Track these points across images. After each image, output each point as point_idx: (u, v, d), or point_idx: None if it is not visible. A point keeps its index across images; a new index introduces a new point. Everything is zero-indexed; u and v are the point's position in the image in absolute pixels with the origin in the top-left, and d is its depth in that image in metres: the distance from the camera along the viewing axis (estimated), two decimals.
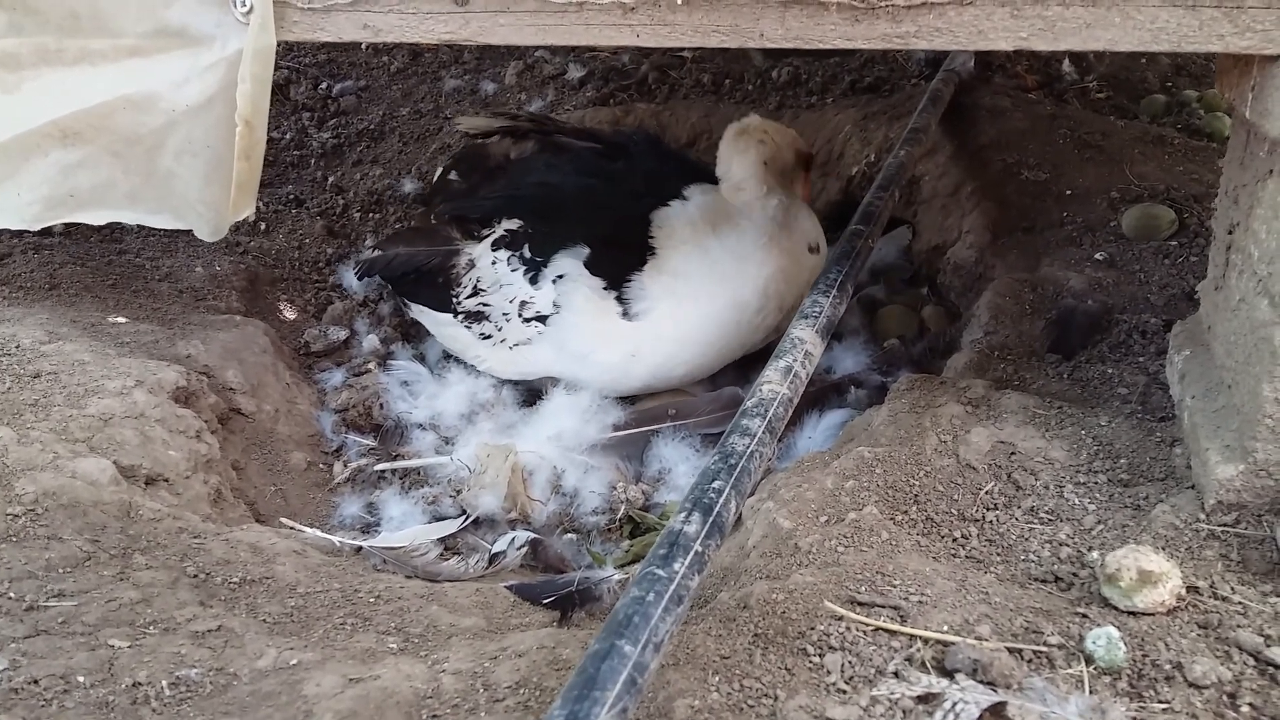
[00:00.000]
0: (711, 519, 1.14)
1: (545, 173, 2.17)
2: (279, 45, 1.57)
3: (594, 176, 2.14)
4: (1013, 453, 1.51)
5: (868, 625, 1.15)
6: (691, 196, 2.09)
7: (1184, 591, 1.17)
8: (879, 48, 1.32)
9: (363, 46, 3.61)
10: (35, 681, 1.12)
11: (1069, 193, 2.38)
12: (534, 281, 2.05)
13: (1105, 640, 1.07)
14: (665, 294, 1.99)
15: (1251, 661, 1.07)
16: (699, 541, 1.10)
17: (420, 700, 1.14)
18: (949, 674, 1.06)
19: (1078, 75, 3.15)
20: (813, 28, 1.33)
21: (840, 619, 1.16)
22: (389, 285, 2.33)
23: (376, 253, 2.27)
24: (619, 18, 1.41)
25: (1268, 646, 1.07)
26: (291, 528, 1.65)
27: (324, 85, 3.37)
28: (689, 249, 2.01)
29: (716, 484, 1.19)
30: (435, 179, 2.40)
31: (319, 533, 1.64)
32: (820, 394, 1.98)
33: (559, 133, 2.30)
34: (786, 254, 2.08)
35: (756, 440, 1.28)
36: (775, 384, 1.40)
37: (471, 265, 2.12)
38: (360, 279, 2.38)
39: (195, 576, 1.40)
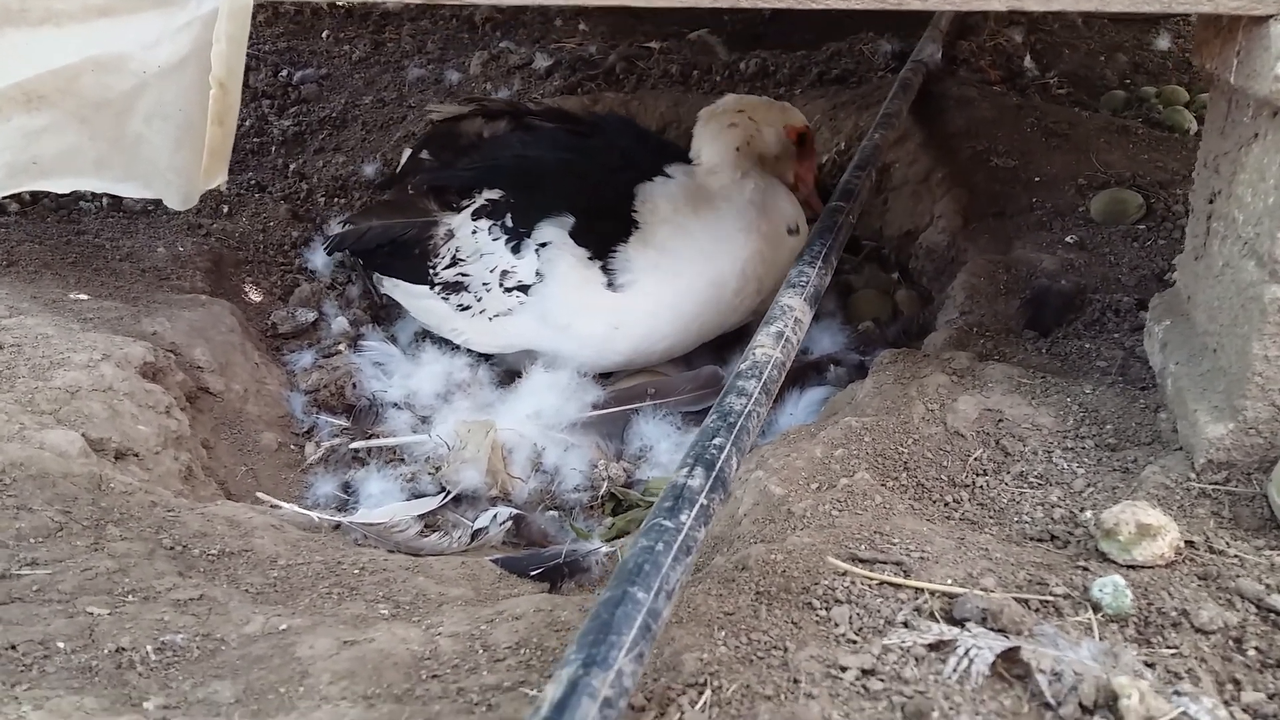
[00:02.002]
0: (715, 473, 1.12)
1: (522, 148, 2.15)
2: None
3: (571, 151, 2.12)
4: (1000, 420, 1.52)
5: (872, 579, 1.14)
6: (675, 175, 2.08)
7: (1182, 545, 1.17)
8: (872, 7, 1.31)
9: (323, 35, 3.56)
10: (13, 647, 1.07)
11: (1037, 179, 2.42)
12: (516, 251, 2.02)
13: (1112, 588, 1.07)
14: (650, 267, 1.97)
15: (1254, 609, 1.08)
16: (703, 495, 1.09)
17: (418, 661, 1.10)
18: (958, 623, 1.05)
19: (1039, 71, 3.20)
20: None
21: (844, 574, 1.15)
22: (360, 260, 2.28)
23: (347, 227, 2.22)
24: None
25: (1269, 594, 1.08)
26: (269, 503, 1.61)
27: (284, 73, 3.31)
28: (672, 227, 2.00)
29: (717, 440, 1.17)
30: (405, 159, 2.36)
31: (296, 508, 1.60)
32: (800, 372, 1.98)
33: (531, 115, 2.28)
34: (764, 238, 2.07)
35: (753, 400, 1.27)
36: (768, 348, 1.39)
37: (450, 235, 2.09)
38: (330, 254, 2.33)
39: (172, 548, 1.35)
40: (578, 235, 1.99)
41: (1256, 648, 1.02)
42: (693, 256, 1.99)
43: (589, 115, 2.37)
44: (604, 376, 2.12)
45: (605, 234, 1.98)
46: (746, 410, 1.24)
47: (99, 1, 1.55)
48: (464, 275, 2.05)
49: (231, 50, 1.52)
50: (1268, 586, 1.10)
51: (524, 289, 2.02)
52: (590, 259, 1.98)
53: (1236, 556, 1.17)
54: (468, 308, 2.07)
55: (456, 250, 2.07)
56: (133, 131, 1.62)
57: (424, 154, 2.28)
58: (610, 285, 1.97)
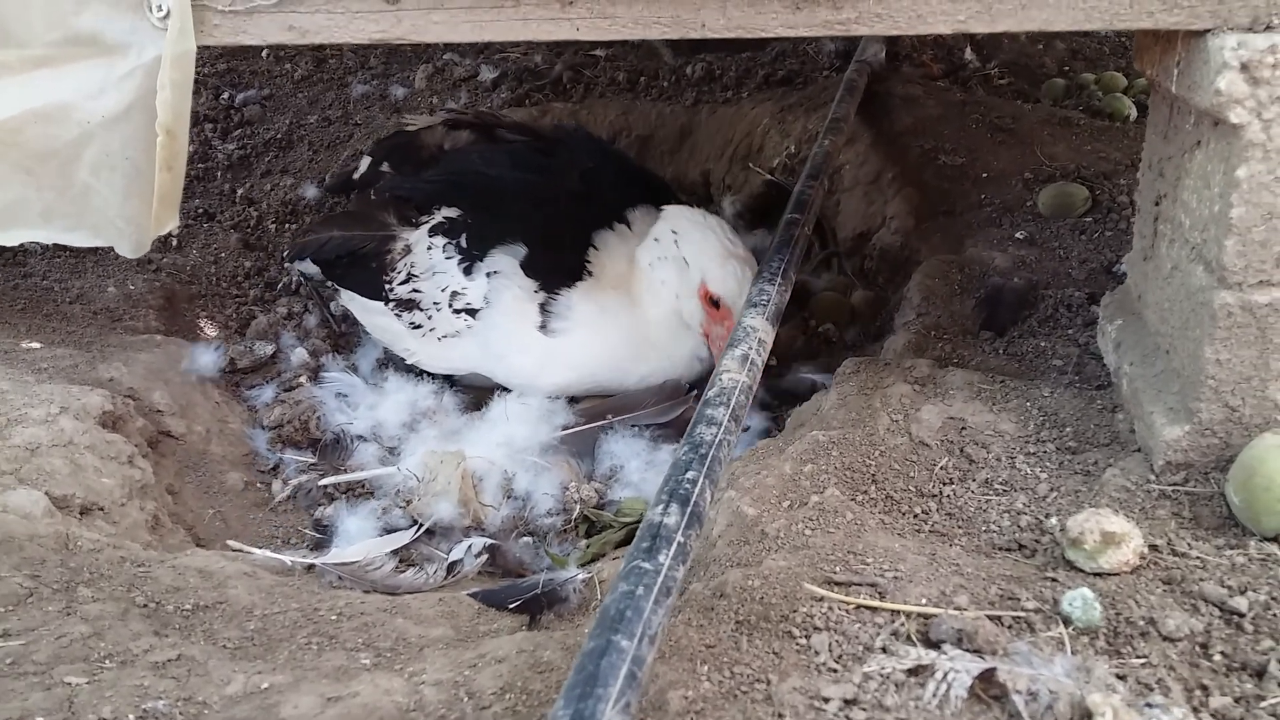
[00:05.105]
0: (690, 509, 1.13)
1: (482, 164, 2.14)
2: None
3: (530, 171, 2.12)
4: (963, 427, 1.54)
5: (849, 604, 1.16)
6: (635, 227, 2.09)
7: (1145, 550, 1.20)
8: (820, 34, 1.33)
9: (263, 54, 3.52)
10: None
11: (985, 175, 2.45)
12: (468, 273, 2.02)
13: (1081, 601, 1.10)
14: (586, 323, 1.99)
15: (1217, 612, 1.11)
16: (680, 532, 1.10)
17: (404, 714, 1.11)
18: (935, 645, 1.07)
19: (980, 63, 3.24)
20: (754, 16, 1.34)
21: (821, 600, 1.16)
22: (319, 268, 2.26)
23: (309, 235, 2.19)
24: (557, 11, 1.40)
25: (1231, 596, 1.12)
26: (239, 550, 1.59)
27: (225, 95, 3.27)
28: (617, 294, 2.02)
29: (690, 474, 1.18)
30: (364, 167, 2.33)
31: (269, 553, 1.59)
32: None
33: (499, 126, 2.28)
34: (670, 358, 2.06)
35: (723, 429, 1.28)
36: (734, 372, 1.41)
37: (407, 250, 2.07)
38: (292, 261, 2.32)
39: (145, 606, 1.34)
40: (528, 267, 2.00)
41: (1222, 652, 1.05)
42: (618, 333, 2.01)
43: (552, 129, 2.36)
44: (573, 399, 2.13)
45: (555, 271, 2.01)
46: (718, 440, 1.26)
47: (37, 53, 1.53)
48: (417, 292, 2.05)
49: (177, 96, 1.51)
50: (1229, 589, 1.13)
51: (472, 312, 2.02)
52: (536, 291, 1.99)
53: (1199, 559, 1.20)
54: (419, 326, 2.07)
55: (411, 266, 2.06)
56: (80, 181, 1.60)
57: (384, 167, 2.26)
58: (543, 327, 1.99)
